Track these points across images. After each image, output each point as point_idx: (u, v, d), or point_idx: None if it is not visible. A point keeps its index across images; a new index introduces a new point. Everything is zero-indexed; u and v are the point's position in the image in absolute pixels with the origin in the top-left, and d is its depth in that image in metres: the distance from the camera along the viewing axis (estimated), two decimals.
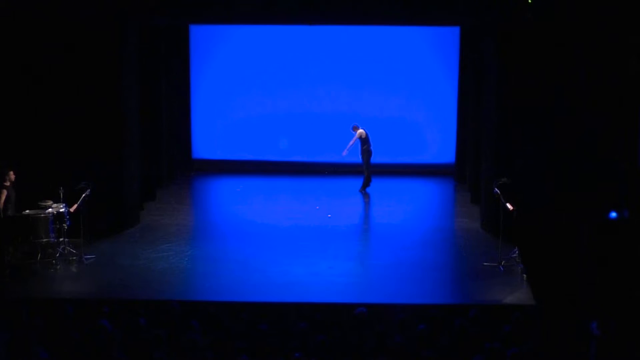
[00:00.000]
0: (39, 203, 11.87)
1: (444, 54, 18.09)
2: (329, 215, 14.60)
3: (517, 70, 12.31)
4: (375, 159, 16.55)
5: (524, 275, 11.13)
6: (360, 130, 16.28)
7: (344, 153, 16.30)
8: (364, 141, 16.27)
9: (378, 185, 16.64)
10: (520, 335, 8.32)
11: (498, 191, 11.71)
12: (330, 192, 16.72)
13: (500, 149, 13.17)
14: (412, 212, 15.45)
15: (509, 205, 11.58)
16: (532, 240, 10.90)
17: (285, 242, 12.96)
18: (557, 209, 10.19)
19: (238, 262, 11.87)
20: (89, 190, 12.02)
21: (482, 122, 14.39)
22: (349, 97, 18.39)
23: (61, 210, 11.76)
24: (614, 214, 9.41)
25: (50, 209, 11.72)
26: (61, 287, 11.07)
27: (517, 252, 11.60)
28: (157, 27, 15.58)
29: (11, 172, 11.83)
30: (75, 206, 11.98)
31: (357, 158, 17.06)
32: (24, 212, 11.65)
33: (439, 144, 18.47)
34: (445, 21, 15.11)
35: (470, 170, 16.05)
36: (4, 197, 11.64)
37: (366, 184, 16.29)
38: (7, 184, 11.76)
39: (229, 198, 16.57)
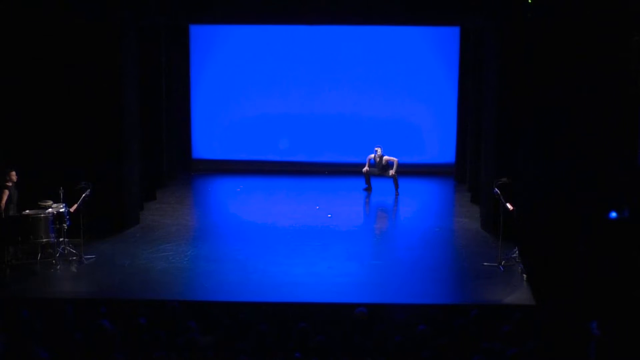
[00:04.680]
0: (39, 203, 11.88)
1: (444, 54, 18.09)
2: (329, 215, 14.60)
3: (517, 70, 12.30)
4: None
5: (524, 275, 11.13)
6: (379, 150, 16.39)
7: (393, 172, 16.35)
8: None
9: (378, 185, 16.65)
10: (520, 335, 8.32)
11: (498, 191, 11.72)
12: (330, 191, 16.72)
13: (500, 149, 13.18)
14: (412, 212, 15.45)
15: (509, 205, 11.58)
16: (532, 240, 10.89)
17: (285, 242, 12.95)
18: (557, 209, 10.18)
19: (238, 262, 11.87)
20: (89, 190, 12.02)
21: (482, 122, 14.39)
22: (349, 97, 18.40)
23: (61, 210, 11.76)
24: (614, 214, 9.40)
25: (50, 209, 11.72)
26: (61, 287, 11.06)
27: (517, 252, 11.60)
28: (157, 27, 15.58)
29: (13, 172, 11.84)
30: (75, 206, 11.98)
31: (359, 158, 17.08)
32: (24, 212, 11.66)
33: (439, 144, 18.48)
34: (445, 21, 15.11)
35: (470, 170, 16.05)
36: (5, 197, 11.65)
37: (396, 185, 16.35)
38: (9, 184, 11.77)
39: (229, 198, 16.57)
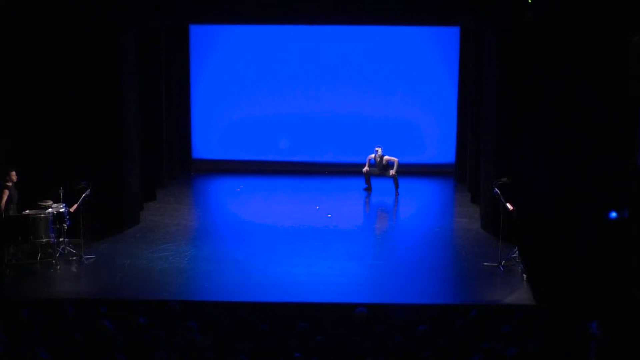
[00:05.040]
0: (39, 203, 11.88)
1: (444, 54, 18.08)
2: (329, 215, 14.61)
3: (517, 70, 12.30)
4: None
5: (524, 275, 11.13)
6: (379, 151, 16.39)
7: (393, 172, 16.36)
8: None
9: (378, 185, 16.65)
10: (520, 335, 8.32)
11: (498, 191, 11.72)
12: (330, 192, 16.72)
13: (500, 149, 13.18)
14: (412, 212, 15.45)
15: (509, 205, 11.58)
16: (532, 240, 10.90)
17: (285, 242, 12.96)
18: (557, 209, 10.18)
19: (238, 262, 11.88)
20: (89, 190, 12.03)
21: (482, 122, 14.39)
22: (349, 97, 18.39)
23: (61, 210, 11.76)
24: (614, 214, 9.41)
25: (50, 209, 11.73)
26: (61, 287, 11.07)
27: (517, 252, 11.60)
28: (157, 27, 15.57)
29: (13, 172, 11.85)
30: (75, 206, 11.99)
31: (359, 158, 17.08)
32: (24, 212, 11.66)
33: (439, 144, 18.47)
34: (445, 21, 15.11)
35: (470, 170, 16.05)
36: (5, 197, 11.66)
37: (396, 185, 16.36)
38: (9, 184, 11.78)
39: (229, 198, 16.57)
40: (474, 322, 8.74)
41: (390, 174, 16.33)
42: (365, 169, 16.50)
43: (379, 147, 16.45)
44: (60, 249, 11.87)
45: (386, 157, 16.35)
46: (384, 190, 16.51)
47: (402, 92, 18.37)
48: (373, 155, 16.44)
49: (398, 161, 16.31)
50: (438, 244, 13.16)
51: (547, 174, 10.60)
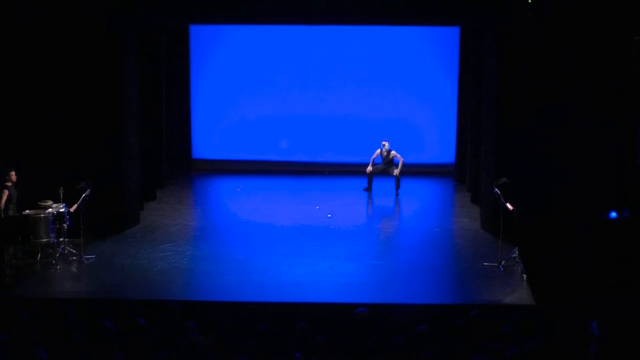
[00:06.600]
0: (39, 203, 11.88)
1: (444, 54, 18.09)
2: (329, 215, 14.61)
3: (517, 70, 12.30)
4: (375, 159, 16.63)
5: (524, 275, 11.13)
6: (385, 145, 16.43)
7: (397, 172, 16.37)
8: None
9: (378, 185, 16.65)
10: (520, 335, 8.31)
11: (498, 191, 11.72)
12: (330, 191, 16.72)
13: (500, 149, 13.17)
14: (411, 212, 15.45)
15: (509, 205, 11.58)
16: (532, 240, 10.89)
17: (285, 242, 12.96)
18: (557, 209, 10.18)
19: (238, 262, 11.88)
20: (89, 190, 12.03)
21: (482, 122, 14.39)
22: (349, 97, 18.41)
23: (61, 210, 11.76)
24: (614, 214, 9.40)
25: (50, 209, 11.73)
26: (61, 287, 11.08)
27: (517, 252, 11.60)
28: (157, 28, 15.57)
29: (12, 172, 11.85)
30: (75, 206, 11.99)
31: (359, 158, 17.08)
32: (24, 212, 11.66)
33: (439, 144, 18.48)
34: (445, 21, 15.10)
35: (470, 170, 16.05)
36: (5, 197, 11.66)
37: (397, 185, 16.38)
38: (9, 184, 11.78)
39: (229, 198, 16.57)
40: (474, 322, 8.74)
41: (394, 173, 16.33)
42: (369, 169, 16.49)
43: (386, 141, 16.48)
44: (60, 249, 11.87)
45: (393, 152, 16.40)
46: (384, 191, 16.52)
47: (402, 92, 18.38)
48: (379, 151, 16.48)
49: (403, 162, 16.32)
50: (438, 244, 13.17)
51: (547, 173, 10.59)
